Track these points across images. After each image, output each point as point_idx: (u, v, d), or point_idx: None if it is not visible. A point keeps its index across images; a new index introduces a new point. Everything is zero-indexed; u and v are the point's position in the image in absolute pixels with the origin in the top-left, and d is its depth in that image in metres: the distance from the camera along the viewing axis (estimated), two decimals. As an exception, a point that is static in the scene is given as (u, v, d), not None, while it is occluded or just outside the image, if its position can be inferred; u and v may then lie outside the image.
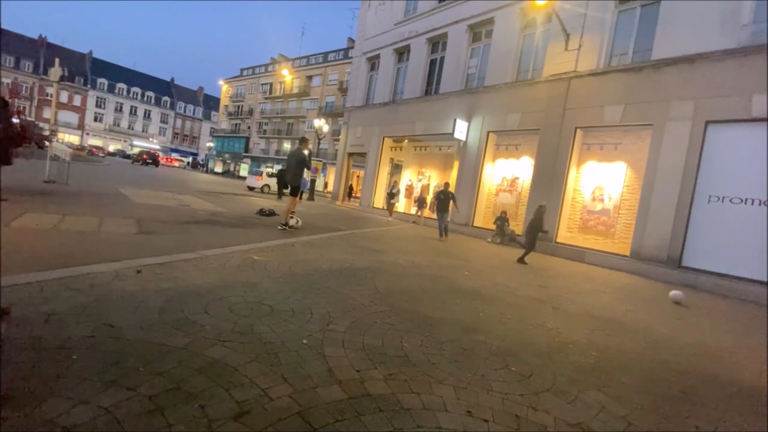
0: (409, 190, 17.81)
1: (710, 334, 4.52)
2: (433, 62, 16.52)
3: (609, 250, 10.21)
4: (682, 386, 2.67)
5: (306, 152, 7.98)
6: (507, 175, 13.42)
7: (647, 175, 9.49)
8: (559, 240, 11.12)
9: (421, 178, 17.49)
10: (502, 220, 11.93)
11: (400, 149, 18.42)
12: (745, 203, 8.12)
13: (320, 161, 27.07)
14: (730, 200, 8.32)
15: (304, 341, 2.42)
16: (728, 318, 5.56)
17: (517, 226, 12.07)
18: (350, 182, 21.84)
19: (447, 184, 11.67)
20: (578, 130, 11.03)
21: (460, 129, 13.80)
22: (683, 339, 4.00)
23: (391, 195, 15.93)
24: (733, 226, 8.16)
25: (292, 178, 7.99)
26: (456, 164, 14.81)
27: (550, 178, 11.33)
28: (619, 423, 2.03)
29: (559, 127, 11.22)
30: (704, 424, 2.19)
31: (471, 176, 13.80)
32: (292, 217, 7.92)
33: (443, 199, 10.96)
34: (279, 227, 7.62)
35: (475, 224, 13.60)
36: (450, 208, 11.01)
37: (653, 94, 9.45)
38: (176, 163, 57.59)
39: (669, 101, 9.18)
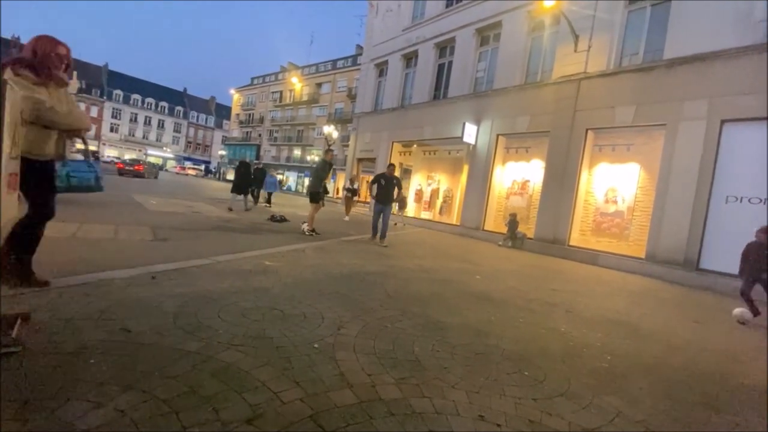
0: (419, 194, 17.81)
1: (730, 337, 4.39)
2: (441, 67, 16.55)
3: (623, 252, 10.02)
4: (702, 391, 2.60)
5: (325, 161, 8.22)
6: (517, 178, 13.31)
7: (661, 175, 9.32)
8: (571, 243, 10.97)
9: (431, 183, 17.46)
10: (512, 222, 11.82)
11: (409, 154, 18.43)
12: (765, 203, 7.90)
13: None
14: (749, 200, 8.11)
15: (316, 345, 2.43)
16: (749, 322, 5.37)
17: (529, 229, 11.95)
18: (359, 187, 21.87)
19: (392, 166, 8.50)
20: (589, 132, 10.90)
21: (469, 132, 13.77)
22: (702, 343, 3.89)
23: (350, 191, 14.52)
24: (752, 227, 7.89)
25: (311, 185, 8.56)
26: (465, 168, 14.77)
27: (561, 181, 11.20)
28: (636, 429, 1.99)
29: (570, 128, 11.11)
30: (726, 430, 2.12)
31: (481, 180, 13.74)
32: (308, 225, 8.05)
33: (384, 185, 7.93)
34: (306, 233, 7.83)
35: (485, 228, 13.51)
36: (394, 200, 8.22)
37: (666, 94, 9.30)
38: (192, 172, 58.55)
39: (682, 101, 9.02)
